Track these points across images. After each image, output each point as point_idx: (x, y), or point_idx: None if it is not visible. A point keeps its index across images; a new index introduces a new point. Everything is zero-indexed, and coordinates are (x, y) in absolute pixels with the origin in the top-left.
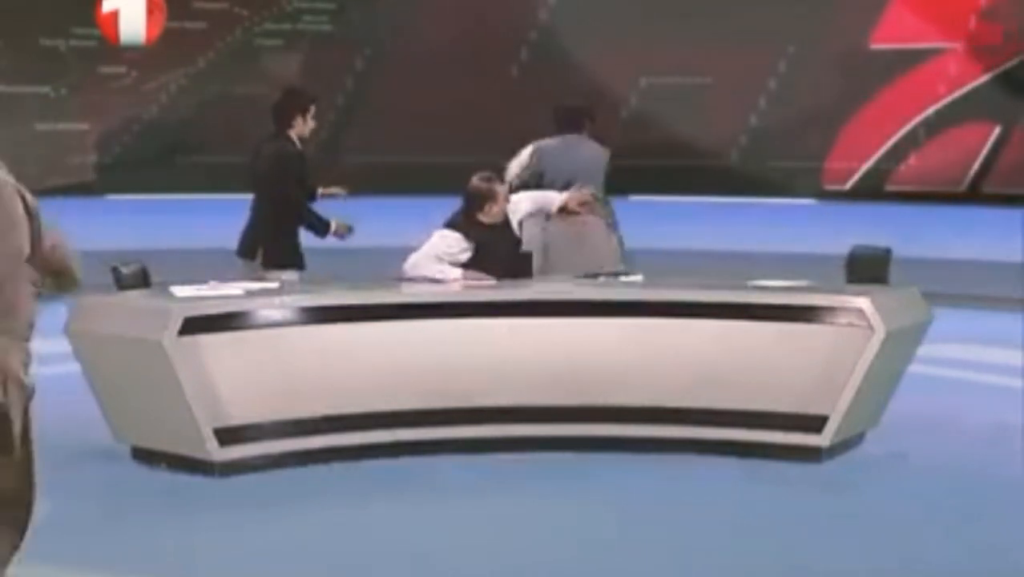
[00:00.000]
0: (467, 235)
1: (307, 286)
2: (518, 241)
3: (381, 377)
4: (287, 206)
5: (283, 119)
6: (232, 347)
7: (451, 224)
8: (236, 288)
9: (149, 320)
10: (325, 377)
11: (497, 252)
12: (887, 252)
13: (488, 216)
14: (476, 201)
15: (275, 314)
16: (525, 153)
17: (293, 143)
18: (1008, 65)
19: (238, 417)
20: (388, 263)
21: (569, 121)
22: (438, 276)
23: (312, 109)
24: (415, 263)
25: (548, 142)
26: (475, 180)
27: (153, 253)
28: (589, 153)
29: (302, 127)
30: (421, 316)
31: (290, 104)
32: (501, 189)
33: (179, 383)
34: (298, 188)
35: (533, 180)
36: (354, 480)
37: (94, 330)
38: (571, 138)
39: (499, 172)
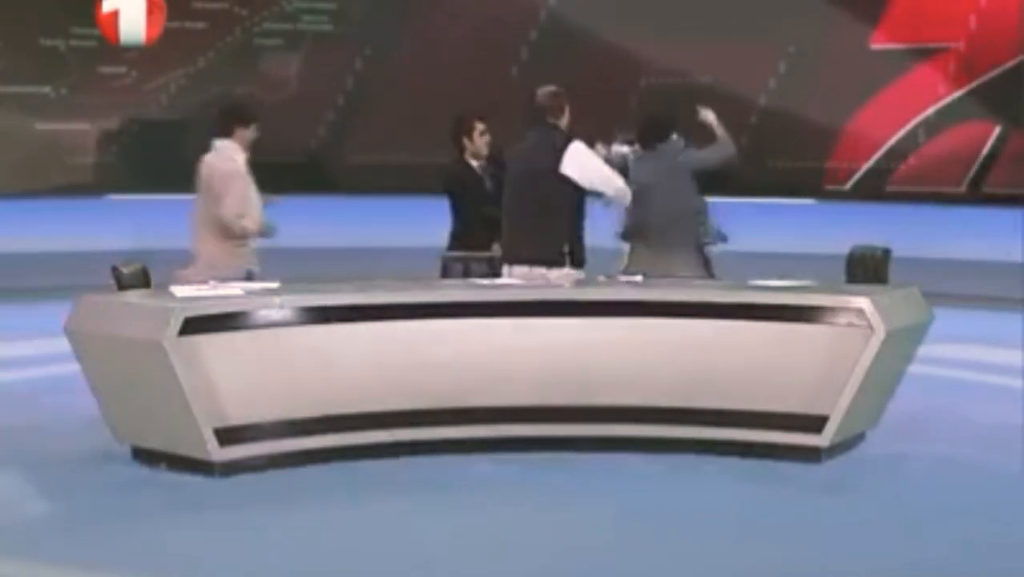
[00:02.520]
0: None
1: (307, 286)
2: None
3: (381, 377)
4: (463, 219)
5: (455, 145)
6: (232, 347)
7: (569, 139)
8: (236, 288)
9: (149, 320)
10: (325, 377)
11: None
12: (887, 252)
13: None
14: (554, 107)
15: (275, 314)
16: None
17: (461, 164)
18: (1008, 65)
19: (238, 417)
20: (388, 263)
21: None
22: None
23: (478, 127)
24: (609, 177)
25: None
26: (543, 91)
27: (153, 253)
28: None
29: (472, 146)
30: (421, 316)
31: (455, 130)
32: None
33: (179, 383)
34: (468, 200)
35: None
36: (354, 480)
37: (94, 330)
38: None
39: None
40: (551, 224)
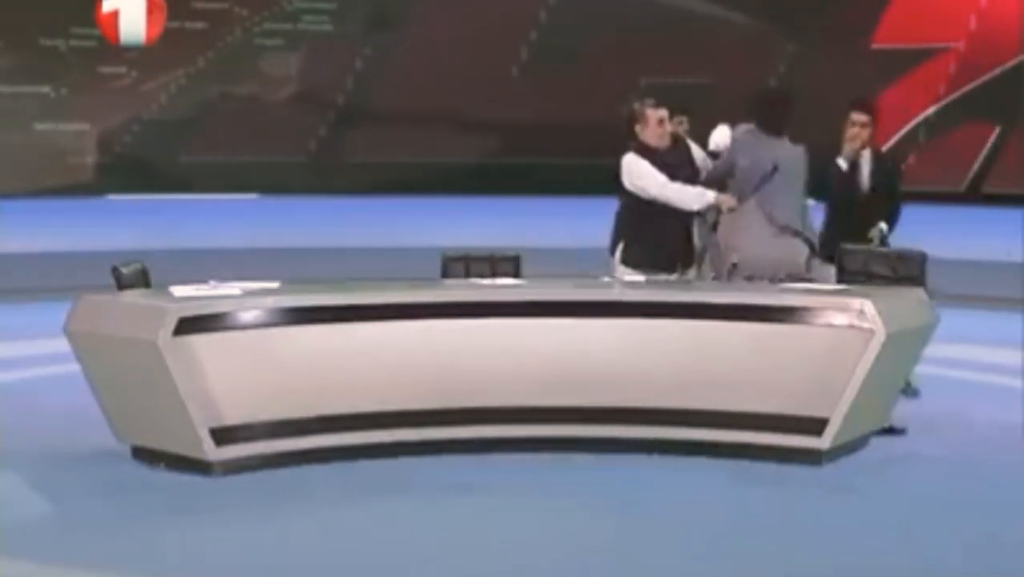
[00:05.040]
0: (643, 155)
1: (304, 286)
2: (693, 162)
3: (378, 377)
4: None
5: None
6: (228, 347)
7: (633, 151)
8: (233, 288)
9: (145, 320)
10: (321, 377)
11: (680, 171)
12: (923, 255)
13: (645, 136)
14: (628, 125)
15: (271, 314)
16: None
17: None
18: (1008, 65)
19: (234, 417)
20: (388, 263)
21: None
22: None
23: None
24: (663, 184)
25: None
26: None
27: (153, 253)
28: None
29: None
30: (419, 316)
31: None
32: (650, 112)
33: (174, 383)
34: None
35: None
36: (351, 480)
37: (93, 330)
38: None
39: None
40: (616, 226)
